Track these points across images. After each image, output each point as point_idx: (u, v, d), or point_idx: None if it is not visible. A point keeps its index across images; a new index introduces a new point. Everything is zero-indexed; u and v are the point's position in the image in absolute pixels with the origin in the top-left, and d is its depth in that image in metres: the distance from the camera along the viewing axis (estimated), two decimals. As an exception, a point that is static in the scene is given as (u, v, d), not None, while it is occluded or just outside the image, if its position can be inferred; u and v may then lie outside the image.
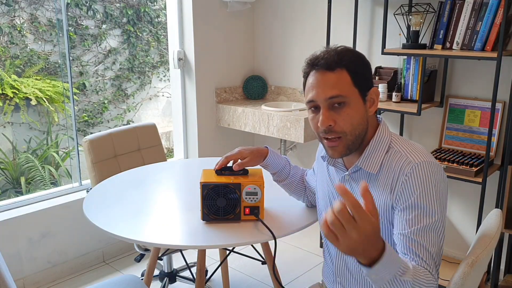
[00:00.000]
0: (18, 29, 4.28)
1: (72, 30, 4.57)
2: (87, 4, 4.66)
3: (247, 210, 1.50)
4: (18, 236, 2.48)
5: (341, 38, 2.89)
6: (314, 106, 1.23)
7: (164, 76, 5.47)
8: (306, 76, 1.27)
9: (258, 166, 1.57)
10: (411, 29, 2.45)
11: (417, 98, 2.49)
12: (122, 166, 2.37)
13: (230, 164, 1.56)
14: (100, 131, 2.48)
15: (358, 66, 1.22)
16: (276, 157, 1.56)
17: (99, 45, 4.83)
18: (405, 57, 2.52)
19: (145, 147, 2.50)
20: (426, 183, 1.15)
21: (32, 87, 4.28)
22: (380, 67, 2.71)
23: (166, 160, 2.57)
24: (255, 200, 1.50)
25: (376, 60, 2.77)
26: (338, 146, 1.22)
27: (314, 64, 1.23)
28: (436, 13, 2.39)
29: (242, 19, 3.34)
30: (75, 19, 4.61)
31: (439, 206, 1.15)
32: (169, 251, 2.28)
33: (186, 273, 2.59)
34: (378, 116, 1.32)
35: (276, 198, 1.71)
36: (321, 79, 1.21)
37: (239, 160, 1.53)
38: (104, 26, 4.86)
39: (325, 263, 1.48)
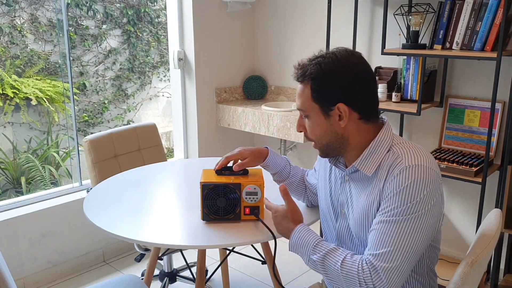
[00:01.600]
0: (19, 29, 4.28)
1: (72, 30, 4.57)
2: (87, 4, 4.67)
3: (247, 210, 1.51)
4: (18, 236, 2.49)
5: (341, 38, 2.89)
6: None
7: (164, 76, 5.48)
8: None
9: (258, 166, 1.57)
10: (411, 29, 2.46)
11: (417, 98, 2.49)
12: (122, 166, 2.37)
13: (230, 164, 1.56)
14: (100, 131, 2.48)
15: (321, 81, 1.22)
16: (276, 158, 1.57)
17: (99, 45, 4.84)
18: (405, 57, 2.52)
19: (145, 147, 2.50)
20: (409, 185, 1.14)
21: (33, 87, 4.28)
22: (380, 67, 2.71)
23: (166, 160, 2.58)
24: (255, 200, 1.50)
25: (376, 60, 2.77)
26: (316, 148, 1.32)
27: (294, 71, 1.29)
28: (436, 13, 2.39)
29: (242, 19, 3.35)
30: (75, 19, 4.61)
31: (415, 210, 1.13)
32: (169, 251, 2.28)
33: (186, 273, 2.59)
34: (383, 117, 1.31)
35: (276, 198, 1.70)
36: (297, 88, 1.28)
37: (239, 161, 1.54)
38: (104, 26, 4.86)
39: None
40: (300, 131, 1.33)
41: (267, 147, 1.58)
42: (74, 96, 3.69)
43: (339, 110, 1.22)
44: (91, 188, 2.12)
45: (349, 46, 2.83)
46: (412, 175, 1.15)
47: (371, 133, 1.26)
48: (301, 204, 1.68)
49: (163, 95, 5.54)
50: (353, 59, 1.23)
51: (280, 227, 1.35)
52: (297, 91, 1.28)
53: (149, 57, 5.29)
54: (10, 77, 4.23)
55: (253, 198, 1.50)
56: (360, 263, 1.15)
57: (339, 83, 1.21)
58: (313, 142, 1.32)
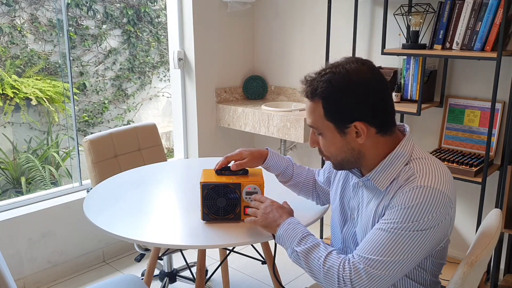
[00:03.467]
0: (19, 29, 4.28)
1: (72, 30, 4.57)
2: (87, 4, 4.67)
3: (247, 210, 1.51)
4: (18, 236, 2.49)
5: (341, 38, 2.89)
6: None
7: (164, 76, 5.48)
8: None
9: (259, 167, 1.57)
10: (411, 29, 2.46)
11: (417, 98, 2.49)
12: (122, 166, 2.37)
13: (230, 164, 1.56)
14: (100, 131, 2.48)
15: (333, 100, 1.15)
16: (277, 159, 1.56)
17: (100, 45, 4.84)
18: (405, 57, 2.52)
19: (145, 147, 2.50)
20: (417, 205, 1.10)
21: (33, 87, 4.28)
22: (380, 67, 2.71)
23: (166, 160, 2.58)
24: (255, 200, 1.50)
25: (376, 60, 2.77)
26: (331, 163, 1.27)
27: (302, 86, 1.23)
28: (436, 13, 2.39)
29: (242, 19, 3.35)
30: (75, 19, 4.61)
31: (417, 229, 1.10)
32: (169, 251, 2.28)
33: (186, 273, 2.59)
34: (405, 126, 1.26)
35: (276, 198, 1.70)
36: (306, 104, 1.23)
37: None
38: (104, 26, 4.86)
39: None
40: (314, 147, 1.27)
41: (267, 149, 1.57)
42: (74, 96, 3.69)
43: (356, 128, 1.16)
44: (91, 188, 2.12)
45: (349, 46, 2.83)
46: (422, 196, 1.10)
47: (389, 145, 1.20)
48: (301, 204, 1.67)
49: (163, 95, 5.54)
50: (364, 71, 1.16)
51: (270, 216, 1.32)
52: (307, 108, 1.22)
53: (149, 57, 5.29)
54: (10, 77, 4.23)
55: (252, 197, 1.50)
56: (342, 261, 1.14)
57: (352, 100, 1.14)
58: (325, 157, 1.27)
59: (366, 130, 1.16)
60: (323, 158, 1.28)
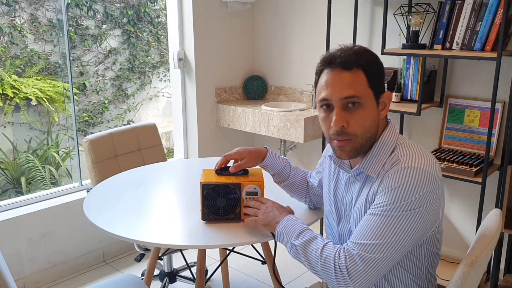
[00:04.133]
0: (19, 29, 4.28)
1: (72, 30, 4.57)
2: (87, 4, 4.67)
3: (247, 210, 1.51)
4: (18, 236, 2.49)
5: (341, 38, 2.89)
6: (326, 105, 1.21)
7: (164, 76, 5.48)
8: (319, 73, 1.23)
9: (258, 166, 1.57)
10: (411, 29, 2.46)
11: (417, 98, 2.49)
12: (122, 166, 2.37)
13: (230, 164, 1.56)
14: (100, 131, 2.48)
15: (374, 67, 1.20)
16: (275, 158, 1.56)
17: (100, 45, 4.84)
18: (405, 57, 2.52)
19: (145, 147, 2.51)
20: (404, 184, 1.13)
21: (33, 87, 4.28)
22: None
23: (166, 160, 2.58)
24: (255, 200, 1.50)
25: (376, 60, 2.77)
26: (347, 146, 1.21)
27: (330, 62, 1.19)
28: (436, 13, 2.39)
29: (242, 19, 3.35)
30: (75, 19, 4.61)
31: (407, 209, 1.12)
32: (169, 251, 2.28)
33: (186, 273, 2.59)
34: (388, 117, 1.30)
35: (276, 198, 1.71)
36: (337, 78, 1.18)
37: (238, 161, 1.53)
38: (104, 26, 4.86)
39: None
40: (342, 126, 1.18)
41: (266, 148, 1.57)
42: (74, 96, 3.69)
43: (387, 98, 1.23)
44: (91, 188, 2.12)
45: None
46: (407, 175, 1.13)
47: (381, 132, 1.25)
48: (301, 204, 1.68)
49: (163, 95, 5.54)
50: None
51: (270, 215, 1.35)
52: (343, 80, 1.17)
53: (149, 57, 5.29)
54: (10, 77, 4.23)
55: (253, 198, 1.50)
56: (338, 250, 1.16)
57: (383, 71, 1.24)
58: (344, 140, 1.20)
59: (388, 102, 1.24)
60: (341, 141, 1.20)
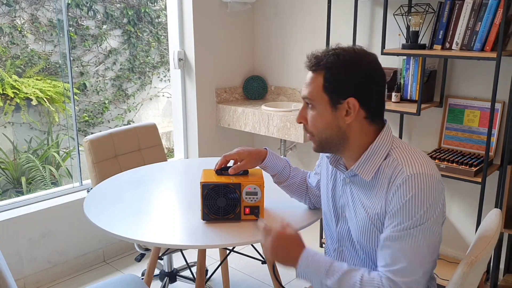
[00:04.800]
0: (19, 29, 4.28)
1: (72, 30, 4.58)
2: (88, 5, 4.67)
3: (247, 210, 1.51)
4: (18, 236, 2.49)
5: (341, 38, 2.89)
6: None
7: (165, 76, 5.48)
8: None
9: (258, 167, 1.57)
10: (411, 30, 2.46)
11: (417, 98, 2.49)
12: (122, 166, 2.38)
13: (230, 164, 1.56)
14: (100, 131, 2.48)
15: (337, 72, 1.18)
16: (275, 159, 1.56)
17: (100, 45, 4.84)
18: (405, 57, 2.52)
19: (145, 147, 2.51)
20: (414, 194, 1.12)
21: (33, 87, 4.28)
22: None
23: (166, 160, 2.58)
24: (255, 200, 1.51)
25: (376, 60, 2.77)
26: (312, 141, 1.28)
27: (306, 60, 1.26)
28: (436, 13, 2.39)
29: (242, 19, 3.35)
30: (75, 19, 4.61)
31: (424, 218, 1.12)
32: (170, 250, 2.29)
33: (187, 273, 2.60)
34: (384, 119, 1.28)
35: (276, 198, 1.71)
36: (306, 77, 1.25)
37: (238, 163, 1.53)
38: (104, 26, 4.86)
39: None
40: (300, 123, 1.29)
41: (266, 149, 1.57)
42: (75, 96, 3.69)
43: (348, 105, 1.19)
44: (91, 188, 2.12)
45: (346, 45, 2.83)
46: (415, 185, 1.12)
47: (371, 135, 1.23)
48: (301, 204, 1.68)
49: (163, 95, 5.54)
50: (372, 56, 1.22)
51: (281, 252, 1.22)
52: (306, 80, 1.24)
53: (149, 57, 5.29)
54: (11, 77, 4.23)
55: (253, 198, 1.50)
56: (380, 280, 1.13)
57: (354, 76, 1.18)
58: (309, 135, 1.29)
59: (357, 109, 1.19)
60: (308, 136, 1.29)
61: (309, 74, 1.24)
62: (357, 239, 1.28)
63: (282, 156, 1.62)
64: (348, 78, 1.18)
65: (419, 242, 1.12)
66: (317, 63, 1.21)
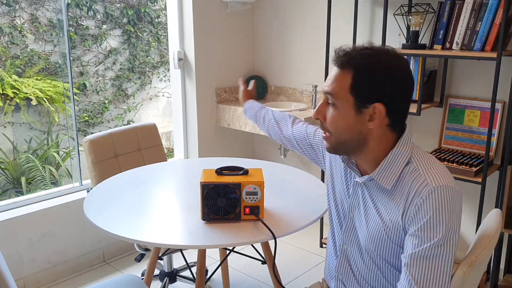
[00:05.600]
0: (19, 29, 4.28)
1: (72, 30, 4.58)
2: (88, 5, 4.67)
3: (247, 210, 1.51)
4: (18, 236, 2.49)
5: (341, 38, 2.89)
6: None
7: (165, 76, 5.48)
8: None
9: (258, 166, 1.57)
10: (411, 29, 2.46)
11: (417, 98, 2.49)
12: (122, 166, 2.38)
13: (230, 164, 1.56)
14: (100, 131, 2.48)
15: (367, 75, 1.12)
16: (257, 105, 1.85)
17: (100, 45, 4.84)
18: (405, 57, 2.52)
19: (145, 147, 2.51)
20: (440, 208, 1.07)
21: (33, 87, 4.28)
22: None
23: (166, 160, 2.58)
24: (255, 200, 1.50)
25: (376, 60, 2.77)
26: (327, 141, 1.21)
27: (334, 54, 1.18)
28: (436, 13, 2.39)
29: (242, 19, 3.35)
30: (75, 19, 4.61)
31: (449, 234, 1.07)
32: (169, 250, 2.28)
33: (186, 273, 2.59)
34: (405, 124, 1.22)
35: (276, 198, 1.71)
36: (331, 71, 1.17)
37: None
38: (104, 26, 4.86)
39: (328, 259, 1.47)
40: (317, 119, 1.19)
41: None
42: (74, 96, 3.69)
43: (374, 110, 1.12)
44: (91, 188, 2.12)
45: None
46: (440, 198, 1.07)
47: (391, 142, 1.17)
48: (301, 205, 1.67)
49: (163, 95, 5.54)
50: (403, 62, 1.15)
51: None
52: (332, 75, 1.16)
53: (149, 57, 5.29)
54: (10, 77, 4.23)
55: (253, 198, 1.50)
56: None
57: (386, 82, 1.11)
58: (325, 134, 1.20)
59: (383, 116, 1.12)
60: (323, 134, 1.21)
61: (335, 70, 1.16)
62: (365, 245, 1.24)
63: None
64: (378, 83, 1.11)
65: (447, 257, 1.07)
66: (347, 61, 1.13)
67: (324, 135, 1.22)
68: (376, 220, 1.20)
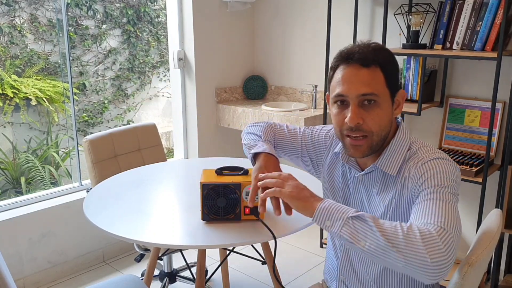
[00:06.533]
0: (18, 29, 4.28)
1: (72, 30, 4.57)
2: (87, 4, 4.67)
3: (247, 210, 1.50)
4: (18, 236, 2.48)
5: (341, 38, 2.89)
6: (341, 101, 1.18)
7: (164, 76, 5.48)
8: (335, 69, 1.20)
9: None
10: (411, 29, 2.45)
11: (417, 98, 2.49)
12: (122, 166, 2.37)
13: (230, 165, 1.56)
14: (100, 131, 2.48)
15: (392, 66, 1.20)
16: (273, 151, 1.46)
17: (99, 45, 4.84)
18: (405, 57, 2.52)
19: (145, 147, 2.50)
20: (436, 168, 1.12)
21: (32, 87, 4.28)
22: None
23: (166, 160, 2.58)
24: (255, 200, 1.50)
25: (376, 60, 2.77)
26: (363, 145, 1.18)
27: (348, 57, 1.17)
28: (436, 13, 2.39)
29: (242, 19, 3.35)
30: (75, 19, 4.61)
31: (450, 191, 1.09)
32: (169, 251, 2.28)
33: (186, 273, 2.59)
34: (397, 117, 1.29)
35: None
36: (354, 74, 1.15)
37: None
38: (104, 26, 4.86)
39: (328, 261, 1.47)
40: (358, 123, 1.16)
41: (273, 155, 1.43)
42: (74, 96, 3.69)
43: (400, 96, 1.22)
44: (91, 188, 2.12)
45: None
46: (437, 164, 1.13)
47: (393, 131, 1.24)
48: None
49: (163, 95, 5.54)
50: None
51: (303, 190, 1.16)
52: (361, 77, 1.15)
53: (149, 57, 5.29)
54: (10, 77, 4.23)
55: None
56: (426, 226, 1.01)
57: (398, 69, 1.23)
58: (355, 140, 1.17)
59: (404, 100, 1.24)
60: (358, 137, 1.17)
61: (362, 70, 1.15)
62: None
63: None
64: (397, 71, 1.22)
65: (452, 205, 1.06)
66: (374, 59, 1.15)
67: (356, 141, 1.18)
68: (382, 209, 1.21)
